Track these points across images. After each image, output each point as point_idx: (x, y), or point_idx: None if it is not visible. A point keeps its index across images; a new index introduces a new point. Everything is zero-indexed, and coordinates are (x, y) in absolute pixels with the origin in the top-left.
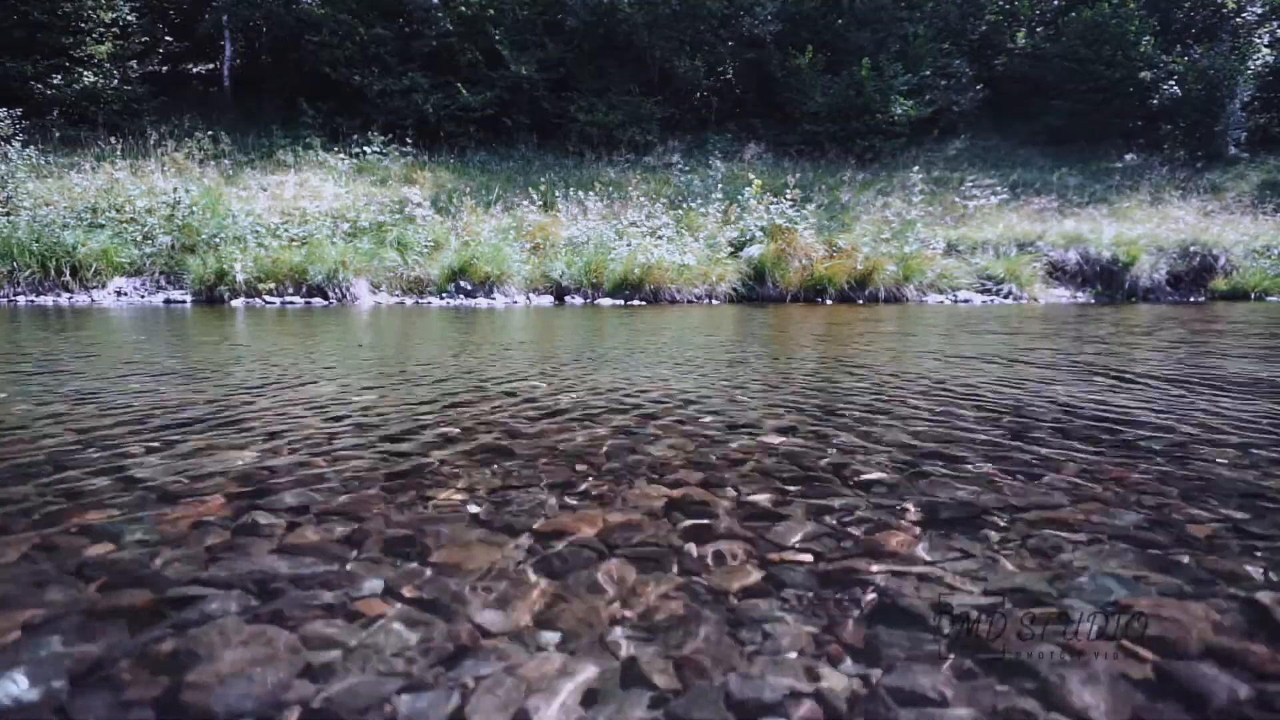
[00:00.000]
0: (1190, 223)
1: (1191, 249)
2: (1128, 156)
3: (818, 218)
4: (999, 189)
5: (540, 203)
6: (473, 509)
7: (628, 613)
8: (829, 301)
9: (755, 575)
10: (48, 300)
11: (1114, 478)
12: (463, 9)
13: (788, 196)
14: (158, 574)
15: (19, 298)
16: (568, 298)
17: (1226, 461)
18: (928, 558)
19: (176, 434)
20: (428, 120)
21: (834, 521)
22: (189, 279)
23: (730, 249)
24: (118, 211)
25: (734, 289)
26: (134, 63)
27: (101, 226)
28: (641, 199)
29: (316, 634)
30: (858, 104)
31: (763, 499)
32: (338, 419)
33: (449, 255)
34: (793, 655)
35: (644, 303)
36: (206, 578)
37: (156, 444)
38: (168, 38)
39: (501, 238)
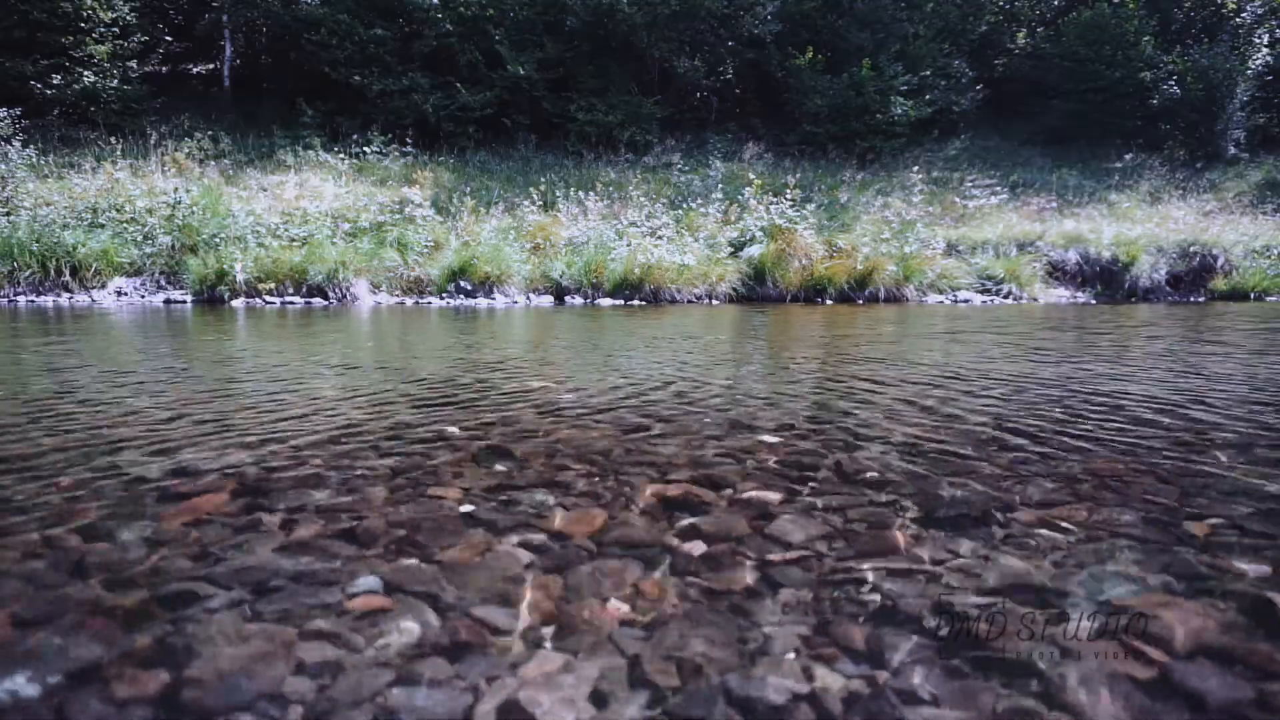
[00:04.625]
0: (1190, 223)
1: (1191, 249)
2: (1127, 156)
3: (818, 218)
4: (999, 189)
5: (540, 203)
6: (473, 508)
7: (628, 612)
8: (829, 302)
9: (755, 575)
10: (48, 300)
11: (1114, 477)
12: (463, 9)
13: (788, 196)
14: (157, 572)
15: (19, 298)
16: (568, 298)
17: (1226, 461)
18: (928, 557)
19: (176, 433)
20: (428, 120)
21: (834, 521)
22: (189, 279)
23: (730, 249)
24: (118, 211)
25: (734, 289)
26: (134, 63)
27: (102, 226)
28: (641, 199)
29: (316, 632)
30: (858, 104)
31: (763, 498)
32: (338, 418)
33: (449, 255)
34: (792, 655)
35: (644, 303)
36: (206, 576)
37: (156, 443)
38: (168, 38)
39: (501, 238)
